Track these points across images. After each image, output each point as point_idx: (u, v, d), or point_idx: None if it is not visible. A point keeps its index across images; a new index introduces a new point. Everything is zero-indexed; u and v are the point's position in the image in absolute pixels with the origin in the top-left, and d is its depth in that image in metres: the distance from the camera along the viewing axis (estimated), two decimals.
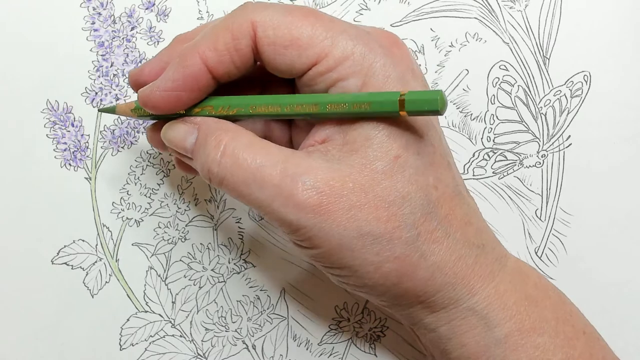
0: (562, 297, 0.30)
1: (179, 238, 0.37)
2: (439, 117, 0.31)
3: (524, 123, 0.38)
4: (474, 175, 0.38)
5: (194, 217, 0.37)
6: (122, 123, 0.37)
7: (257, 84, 0.31)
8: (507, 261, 0.29)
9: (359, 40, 0.27)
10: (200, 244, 0.37)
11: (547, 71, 0.38)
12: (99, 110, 0.36)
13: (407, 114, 0.25)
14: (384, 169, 0.26)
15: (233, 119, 0.29)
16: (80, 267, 0.36)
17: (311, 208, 0.25)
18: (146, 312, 0.37)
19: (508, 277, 0.28)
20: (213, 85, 0.28)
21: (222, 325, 0.37)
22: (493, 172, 0.38)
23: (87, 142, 0.37)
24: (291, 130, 0.32)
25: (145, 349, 0.36)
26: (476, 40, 0.38)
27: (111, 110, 0.33)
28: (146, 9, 0.37)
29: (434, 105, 0.24)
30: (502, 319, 0.27)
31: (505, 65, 0.38)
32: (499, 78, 0.38)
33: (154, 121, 0.32)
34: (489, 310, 0.27)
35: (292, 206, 0.25)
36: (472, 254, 0.27)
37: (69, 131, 0.37)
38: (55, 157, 0.36)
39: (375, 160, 0.26)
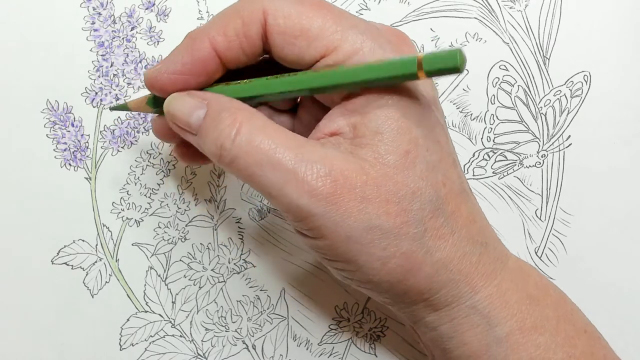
0: (563, 296, 0.30)
1: (179, 238, 0.37)
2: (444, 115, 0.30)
3: (524, 123, 0.38)
4: (474, 175, 0.38)
5: (194, 217, 0.37)
6: (122, 123, 0.37)
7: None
8: (508, 260, 0.29)
9: (368, 35, 0.27)
10: (200, 244, 0.37)
11: (547, 71, 0.38)
12: (110, 109, 0.35)
13: (426, 75, 0.24)
14: (395, 163, 0.26)
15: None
16: (80, 267, 0.36)
17: (324, 196, 0.25)
18: (146, 312, 0.37)
19: (509, 275, 0.28)
20: (221, 71, 0.28)
21: (222, 325, 0.37)
22: (493, 172, 0.38)
23: (87, 142, 0.37)
24: (294, 124, 0.32)
25: (145, 349, 0.36)
26: (476, 40, 0.38)
27: (123, 107, 0.32)
28: (146, 9, 0.37)
29: (454, 62, 0.23)
30: (503, 317, 0.27)
31: (505, 65, 0.38)
32: (499, 78, 0.38)
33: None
34: (491, 309, 0.27)
35: (305, 192, 0.25)
36: (476, 251, 0.27)
37: (69, 131, 0.36)
38: (55, 157, 0.36)
39: (386, 155, 0.26)
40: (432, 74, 0.24)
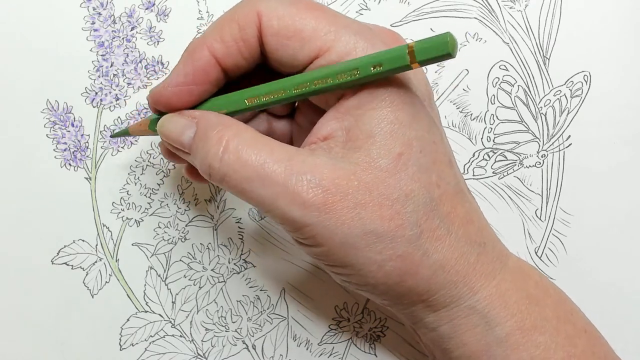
0: (563, 296, 0.30)
1: (179, 238, 0.37)
2: (440, 116, 0.30)
3: (524, 123, 0.38)
4: (474, 175, 0.38)
5: (194, 217, 0.37)
6: (122, 123, 0.37)
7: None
8: (508, 260, 0.29)
9: (361, 36, 0.27)
10: (200, 244, 0.37)
11: (547, 71, 0.38)
12: (111, 136, 0.36)
13: (419, 64, 0.24)
14: (387, 166, 0.26)
15: (241, 112, 0.29)
16: (80, 267, 0.36)
17: (316, 206, 0.25)
18: (146, 312, 0.37)
19: (509, 275, 0.28)
20: (223, 79, 0.28)
21: (222, 325, 0.37)
22: (493, 172, 0.38)
23: (87, 142, 0.37)
24: (292, 129, 0.32)
25: (145, 349, 0.36)
26: (476, 40, 0.38)
27: (124, 133, 0.33)
28: (146, 9, 0.37)
29: (444, 48, 0.23)
30: (503, 317, 0.27)
31: (505, 65, 0.38)
32: (499, 78, 0.38)
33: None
34: (490, 309, 0.27)
35: (297, 204, 0.25)
36: (474, 252, 0.27)
37: (69, 131, 0.36)
38: (55, 157, 0.36)
39: (378, 158, 0.26)
40: (424, 62, 0.24)
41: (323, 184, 0.25)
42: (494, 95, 0.38)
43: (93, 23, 0.37)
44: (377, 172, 0.26)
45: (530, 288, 0.28)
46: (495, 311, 0.27)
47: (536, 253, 0.38)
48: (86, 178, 0.36)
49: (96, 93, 0.37)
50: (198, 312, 0.37)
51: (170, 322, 0.37)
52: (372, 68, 0.25)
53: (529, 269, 0.30)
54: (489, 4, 0.38)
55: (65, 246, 0.36)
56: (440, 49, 0.23)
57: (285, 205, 0.25)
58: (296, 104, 0.32)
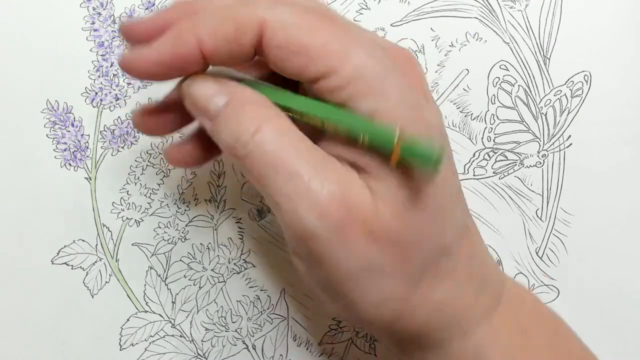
0: (557, 322, 0.29)
1: (179, 238, 0.37)
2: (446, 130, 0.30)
3: (524, 123, 0.38)
4: (474, 175, 0.38)
5: (194, 217, 0.37)
6: (122, 123, 0.37)
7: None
8: (503, 290, 0.28)
9: (372, 59, 0.24)
10: (200, 244, 0.37)
11: (548, 71, 0.38)
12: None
13: (396, 165, 0.24)
14: (406, 203, 0.24)
15: None
16: (80, 267, 0.36)
17: (333, 221, 0.23)
18: (146, 312, 0.37)
19: (503, 310, 0.27)
20: (204, 67, 0.26)
21: (222, 325, 0.37)
22: (493, 172, 0.38)
23: (87, 142, 0.37)
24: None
25: (145, 349, 0.36)
26: (476, 40, 0.38)
27: None
28: (146, 9, 0.37)
29: (428, 163, 0.23)
30: (493, 357, 0.26)
31: (505, 65, 0.38)
32: (499, 78, 0.38)
33: (141, 107, 0.30)
34: (481, 351, 0.26)
35: (315, 211, 0.23)
36: (472, 289, 0.26)
37: (69, 131, 0.36)
38: (55, 157, 0.36)
39: (398, 191, 0.24)
40: (402, 161, 0.23)
41: (347, 201, 0.23)
42: (494, 95, 0.38)
43: (93, 23, 0.37)
44: (397, 207, 0.24)
45: (523, 320, 0.28)
46: (485, 349, 0.27)
47: (537, 253, 0.38)
48: (86, 178, 0.36)
49: (96, 93, 0.37)
50: (198, 312, 0.37)
51: (170, 322, 0.37)
52: (360, 138, 0.24)
53: (524, 295, 0.29)
54: (489, 4, 0.38)
55: (65, 246, 0.36)
56: (423, 163, 0.23)
57: (302, 209, 0.23)
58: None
